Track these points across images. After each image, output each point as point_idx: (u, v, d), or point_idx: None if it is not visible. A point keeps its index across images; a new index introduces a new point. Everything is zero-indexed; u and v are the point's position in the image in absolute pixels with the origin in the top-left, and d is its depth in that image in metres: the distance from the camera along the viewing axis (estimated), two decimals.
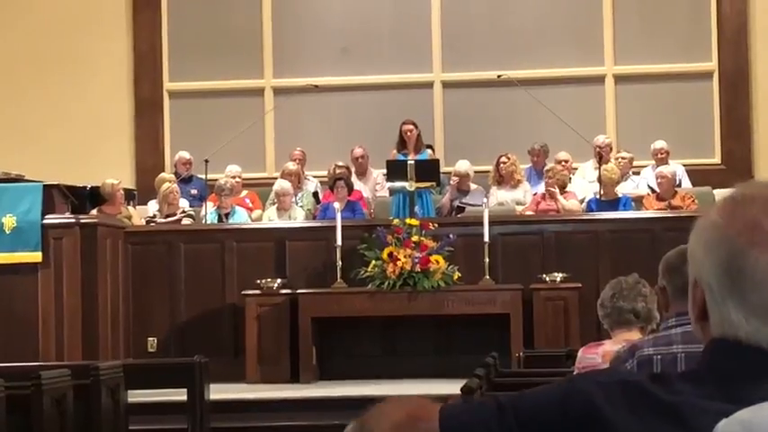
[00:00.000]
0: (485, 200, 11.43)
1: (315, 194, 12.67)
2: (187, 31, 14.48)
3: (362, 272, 10.71)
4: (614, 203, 11.62)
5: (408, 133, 12.36)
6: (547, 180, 11.86)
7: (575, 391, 1.56)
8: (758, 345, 1.53)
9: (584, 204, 11.90)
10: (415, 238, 10.70)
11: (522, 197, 12.21)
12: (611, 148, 12.90)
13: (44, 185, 10.22)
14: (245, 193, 12.73)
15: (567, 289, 10.56)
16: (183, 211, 11.98)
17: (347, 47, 14.36)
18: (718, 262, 1.55)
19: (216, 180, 12.25)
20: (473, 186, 12.20)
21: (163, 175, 12.91)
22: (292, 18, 14.45)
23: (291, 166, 12.67)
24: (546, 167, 12.21)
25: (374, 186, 13.00)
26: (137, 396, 8.01)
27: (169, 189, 12.00)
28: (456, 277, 10.66)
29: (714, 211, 1.59)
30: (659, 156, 12.79)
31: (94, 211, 11.31)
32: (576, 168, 12.99)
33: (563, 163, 12.50)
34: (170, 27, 14.49)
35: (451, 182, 12.30)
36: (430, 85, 14.34)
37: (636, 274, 4.98)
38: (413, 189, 11.18)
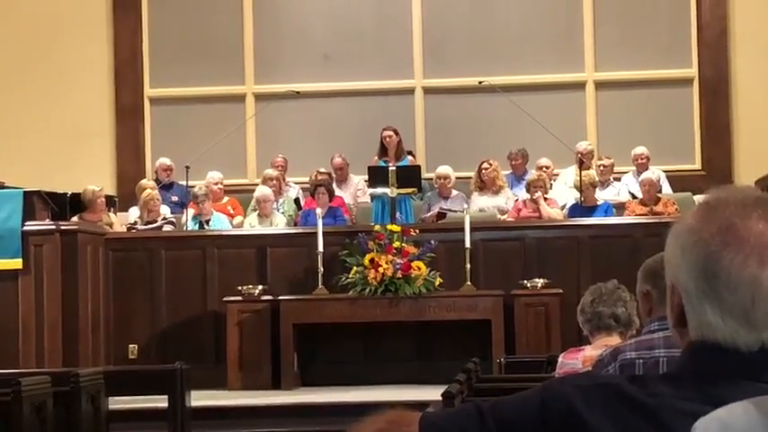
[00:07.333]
0: (465, 206, 11.43)
1: (296, 201, 12.66)
2: (168, 37, 14.45)
3: (344, 278, 10.71)
4: (595, 210, 11.63)
5: (388, 139, 12.32)
6: (533, 188, 11.74)
7: (553, 395, 1.57)
8: (735, 346, 1.55)
9: (566, 210, 11.91)
10: (396, 244, 10.70)
11: (503, 203, 12.20)
12: (592, 155, 12.90)
13: (24, 192, 10.21)
14: (226, 199, 12.71)
15: (548, 295, 10.57)
16: (164, 218, 11.95)
17: (328, 53, 14.35)
18: (694, 264, 1.57)
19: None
20: (454, 192, 12.21)
21: (144, 181, 12.87)
22: (274, 24, 14.44)
23: (272, 171, 12.65)
24: (530, 176, 12.12)
25: (355, 192, 12.99)
26: (117, 403, 7.99)
27: (150, 196, 11.97)
28: (437, 283, 10.66)
29: (689, 215, 1.61)
30: (639, 161, 12.80)
31: (75, 218, 11.28)
32: (557, 175, 13.00)
33: (544, 169, 12.50)
34: (151, 33, 14.46)
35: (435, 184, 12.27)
36: (411, 91, 14.35)
37: (615, 280, 5.00)
38: (394, 195, 11.19)
